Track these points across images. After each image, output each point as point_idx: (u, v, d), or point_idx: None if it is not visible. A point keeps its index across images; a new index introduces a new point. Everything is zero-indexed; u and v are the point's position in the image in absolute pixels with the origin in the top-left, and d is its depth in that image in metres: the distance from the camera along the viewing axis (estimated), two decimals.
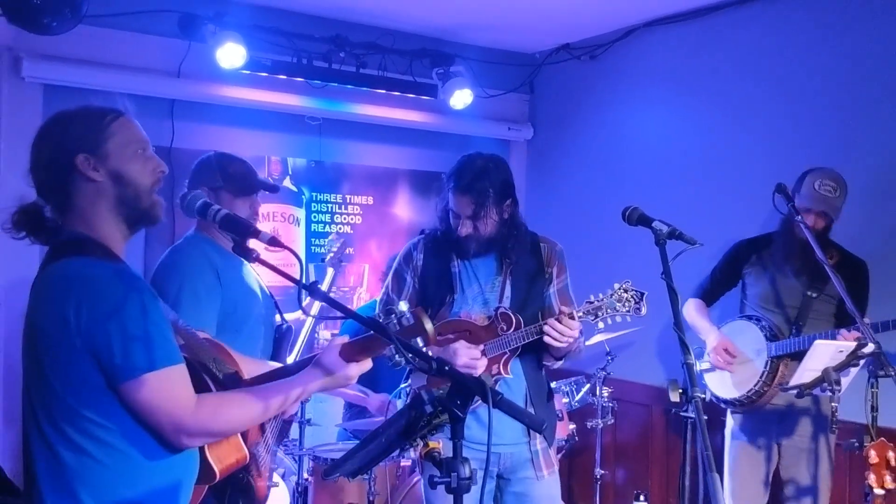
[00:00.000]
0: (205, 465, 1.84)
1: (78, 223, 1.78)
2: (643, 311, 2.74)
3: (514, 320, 2.81)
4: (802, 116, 3.87)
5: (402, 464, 3.80)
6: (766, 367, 3.28)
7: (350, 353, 1.86)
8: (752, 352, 3.36)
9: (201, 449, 1.83)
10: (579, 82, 5.10)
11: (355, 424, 3.99)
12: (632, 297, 2.72)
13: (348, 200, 4.99)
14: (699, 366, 3.43)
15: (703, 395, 2.64)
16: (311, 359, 1.91)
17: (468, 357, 2.76)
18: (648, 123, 4.65)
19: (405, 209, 5.18)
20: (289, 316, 4.07)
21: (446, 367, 1.72)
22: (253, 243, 1.88)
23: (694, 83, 4.41)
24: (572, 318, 2.69)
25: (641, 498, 3.16)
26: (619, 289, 2.72)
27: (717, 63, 4.29)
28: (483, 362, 2.78)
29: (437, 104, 4.92)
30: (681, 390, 2.53)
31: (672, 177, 4.43)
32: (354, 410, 4.16)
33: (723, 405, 3.44)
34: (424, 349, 1.84)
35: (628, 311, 2.73)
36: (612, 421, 4.17)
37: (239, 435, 1.92)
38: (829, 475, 3.31)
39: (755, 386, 3.30)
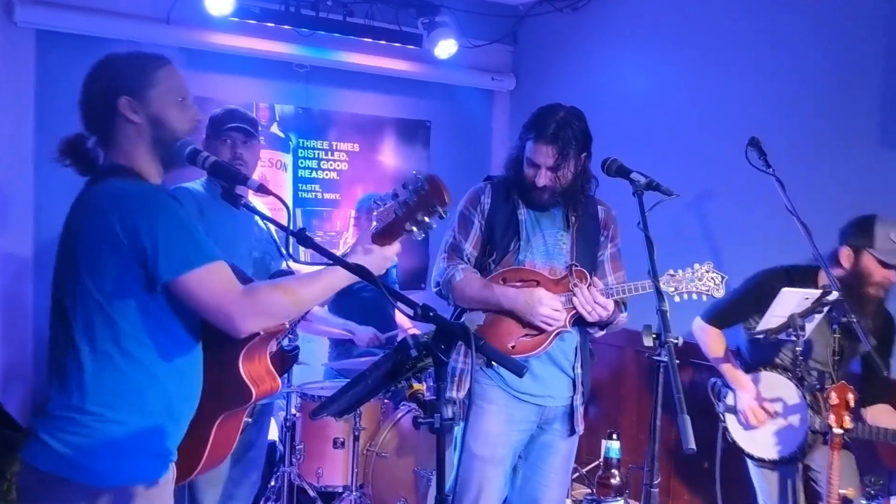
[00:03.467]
0: (241, 384, 2.03)
1: (119, 157, 1.92)
2: (721, 292, 2.76)
3: (587, 279, 2.81)
4: (785, 68, 3.92)
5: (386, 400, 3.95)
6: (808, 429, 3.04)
7: (380, 240, 1.99)
8: (785, 409, 3.17)
9: (237, 370, 2.01)
10: (562, 34, 5.14)
11: (342, 364, 4.11)
12: (712, 278, 2.74)
13: (335, 147, 5.04)
14: (725, 418, 3.27)
15: (676, 341, 2.76)
16: None
17: (551, 308, 2.76)
18: (629, 75, 4.71)
19: (391, 156, 5.24)
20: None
21: (430, 313, 1.76)
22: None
23: (674, 35, 4.46)
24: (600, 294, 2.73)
25: (613, 437, 3.30)
26: (701, 269, 2.74)
27: (697, 14, 4.34)
28: (563, 316, 2.79)
29: (423, 53, 4.95)
30: (655, 335, 2.63)
31: (652, 128, 4.51)
32: (341, 349, 4.29)
33: (755, 463, 3.26)
34: (442, 214, 1.92)
35: (707, 290, 2.75)
36: (595, 360, 4.29)
37: (272, 366, 2.12)
38: None
39: (798, 447, 3.10)
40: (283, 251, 2.85)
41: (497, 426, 2.84)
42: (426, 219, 1.94)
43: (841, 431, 2.81)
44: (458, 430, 2.81)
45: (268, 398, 2.18)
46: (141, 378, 1.84)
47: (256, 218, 2.97)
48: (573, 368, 2.92)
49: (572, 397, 2.92)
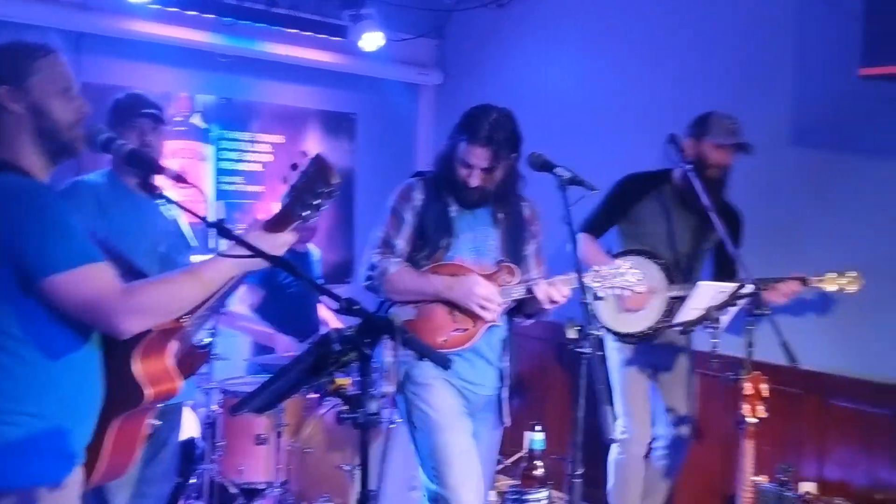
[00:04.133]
0: (133, 385, 1.92)
1: (2, 150, 1.83)
2: (641, 288, 2.89)
3: (515, 273, 2.89)
4: (703, 68, 4.02)
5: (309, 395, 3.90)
6: (665, 306, 3.46)
7: (273, 229, 1.91)
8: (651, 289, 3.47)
9: (129, 370, 1.91)
10: (488, 29, 5.17)
11: (264, 359, 4.05)
12: (633, 274, 2.82)
13: (258, 139, 4.97)
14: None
15: (599, 333, 2.84)
16: None
17: (488, 291, 2.80)
18: (553, 70, 4.77)
19: (316, 148, 5.17)
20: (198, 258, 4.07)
21: (355, 306, 1.75)
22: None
23: (598, 31, 4.53)
24: (564, 284, 2.78)
25: (538, 428, 3.34)
26: (624, 266, 2.83)
27: (621, 11, 4.41)
28: (500, 301, 2.83)
29: (348, 45, 4.91)
30: (578, 327, 2.67)
31: (576, 123, 4.57)
32: (261, 348, 4.23)
33: (614, 338, 3.59)
34: (330, 193, 1.87)
35: (629, 286, 2.84)
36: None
37: (176, 367, 2.02)
38: (694, 405, 3.61)
39: (655, 322, 3.48)
40: (197, 243, 2.78)
41: (449, 397, 2.87)
42: (315, 201, 1.88)
43: (755, 421, 2.90)
44: (404, 422, 2.87)
45: (169, 399, 2.08)
46: (33, 378, 1.78)
47: (162, 210, 2.91)
48: (500, 361, 2.97)
49: (499, 389, 2.98)
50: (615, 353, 3.63)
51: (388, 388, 2.88)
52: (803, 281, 3.32)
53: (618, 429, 3.57)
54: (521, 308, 2.95)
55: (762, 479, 3.39)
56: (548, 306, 2.82)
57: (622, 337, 3.57)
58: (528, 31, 4.91)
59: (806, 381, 3.43)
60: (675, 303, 3.45)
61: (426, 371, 2.84)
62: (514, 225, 2.96)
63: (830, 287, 3.33)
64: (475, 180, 2.82)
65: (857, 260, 3.35)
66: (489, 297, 2.80)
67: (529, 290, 2.81)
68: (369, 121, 5.40)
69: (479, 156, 2.79)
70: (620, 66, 4.43)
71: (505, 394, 2.99)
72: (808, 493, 3.39)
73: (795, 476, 3.50)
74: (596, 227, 3.59)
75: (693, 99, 3.95)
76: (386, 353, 2.87)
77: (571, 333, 2.66)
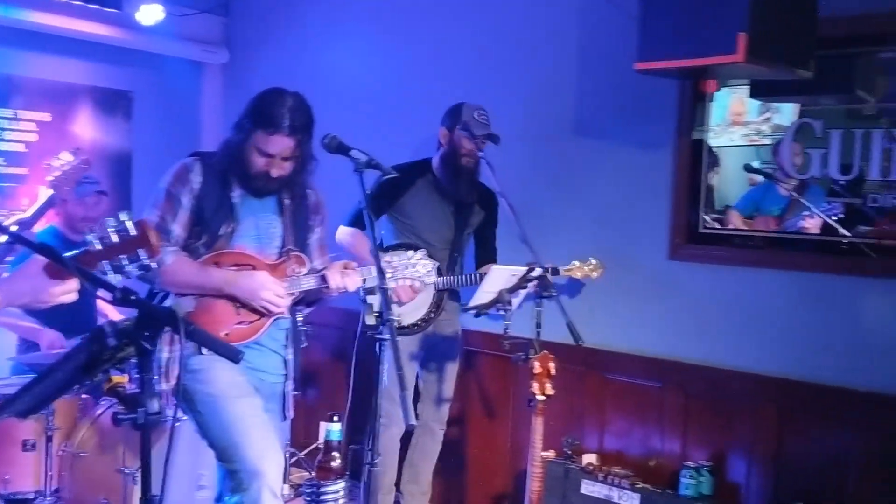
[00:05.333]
0: None
1: None
2: (432, 279, 2.93)
3: (305, 263, 2.78)
4: (492, 52, 4.09)
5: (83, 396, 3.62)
6: (433, 298, 3.57)
7: (54, 271, 1.72)
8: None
9: None
10: (275, 6, 5.01)
11: (31, 357, 3.70)
12: (424, 265, 2.84)
13: (20, 116, 4.53)
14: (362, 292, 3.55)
15: (398, 318, 2.83)
16: None
17: (275, 291, 2.68)
18: (346, 51, 4.69)
19: (88, 128, 4.81)
20: None
21: (132, 297, 1.66)
22: None
23: (388, 10, 4.50)
24: (353, 271, 2.75)
25: (335, 419, 3.29)
26: (415, 257, 2.83)
27: None
28: (288, 301, 2.73)
29: (124, 18, 4.58)
30: (376, 313, 2.64)
31: (370, 105, 4.52)
32: (30, 341, 3.86)
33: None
34: (149, 262, 1.75)
35: (419, 276, 2.85)
36: (306, 345, 4.26)
37: None
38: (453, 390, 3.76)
39: (426, 314, 3.56)
40: None
41: (234, 374, 2.72)
42: (127, 264, 1.73)
43: (543, 398, 3.01)
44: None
45: None
46: None
47: None
48: (284, 351, 2.89)
49: (284, 381, 2.89)
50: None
51: (166, 385, 2.70)
52: (554, 271, 3.48)
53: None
54: (305, 296, 2.87)
55: (550, 454, 3.54)
56: (336, 294, 2.78)
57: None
58: (317, 9, 4.81)
59: (588, 358, 3.62)
60: (445, 293, 3.53)
61: (203, 358, 2.66)
62: (299, 213, 2.87)
63: (577, 274, 3.56)
64: (277, 170, 2.71)
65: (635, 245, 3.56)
66: (276, 297, 2.70)
67: (323, 280, 2.74)
68: (148, 99, 5.08)
69: (281, 145, 2.68)
70: (410, 48, 4.42)
71: (289, 387, 2.90)
72: (589, 464, 3.58)
73: (579, 449, 3.68)
74: (360, 220, 3.47)
75: (484, 88, 4.03)
76: (162, 347, 2.69)
77: (370, 319, 2.63)
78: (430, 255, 3.46)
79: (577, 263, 3.55)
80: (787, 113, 3.31)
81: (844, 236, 3.18)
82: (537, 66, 3.96)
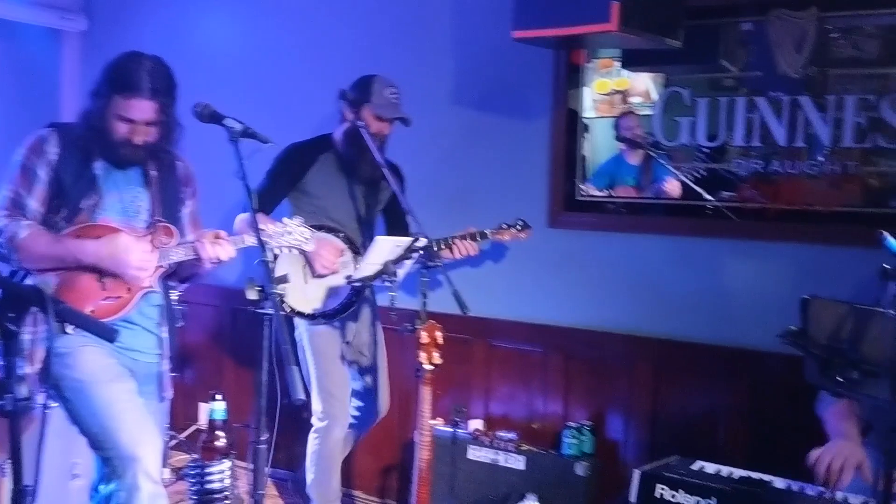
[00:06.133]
0: None
1: None
2: (311, 246, 2.84)
3: (174, 234, 2.66)
4: (371, 21, 4.03)
5: None
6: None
7: None
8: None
9: None
10: None
11: None
12: (301, 232, 2.75)
13: None
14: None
15: (282, 292, 2.76)
16: None
17: (141, 254, 2.57)
18: (216, 19, 4.52)
19: None
20: None
21: None
22: None
23: None
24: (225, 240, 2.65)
25: (217, 398, 3.20)
26: (292, 223, 2.75)
27: None
28: (156, 270, 2.63)
29: None
30: (258, 288, 2.58)
31: (246, 74, 4.37)
32: None
33: (308, 322, 3.44)
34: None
35: (298, 244, 2.77)
36: (182, 324, 4.11)
37: None
38: (384, 356, 3.66)
39: (345, 300, 3.41)
40: None
41: (102, 356, 2.61)
42: None
43: (431, 367, 3.03)
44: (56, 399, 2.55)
45: None
46: None
47: None
48: (158, 329, 2.77)
49: (160, 361, 2.78)
50: (308, 336, 3.48)
51: (30, 369, 2.55)
52: (482, 235, 3.47)
53: (315, 416, 3.48)
54: (177, 271, 2.78)
55: (438, 422, 3.57)
56: (209, 266, 2.69)
57: (316, 316, 3.43)
58: None
59: (474, 326, 3.66)
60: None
61: (70, 340, 2.50)
62: (167, 185, 2.75)
63: (506, 237, 3.54)
64: (140, 136, 2.59)
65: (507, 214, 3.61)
66: (143, 261, 2.59)
67: (195, 251, 2.65)
68: (1, 69, 4.75)
69: (142, 109, 2.55)
70: (281, 22, 4.30)
71: (165, 367, 2.80)
72: (476, 430, 3.64)
73: (466, 415, 3.73)
74: (265, 202, 3.27)
75: (362, 56, 3.98)
76: (24, 328, 2.53)
77: (252, 294, 2.56)
78: (348, 238, 3.40)
79: (504, 226, 3.48)
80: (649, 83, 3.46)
81: (709, 201, 3.33)
82: (416, 36, 3.93)
